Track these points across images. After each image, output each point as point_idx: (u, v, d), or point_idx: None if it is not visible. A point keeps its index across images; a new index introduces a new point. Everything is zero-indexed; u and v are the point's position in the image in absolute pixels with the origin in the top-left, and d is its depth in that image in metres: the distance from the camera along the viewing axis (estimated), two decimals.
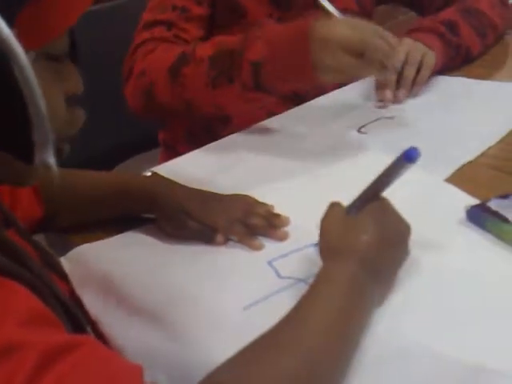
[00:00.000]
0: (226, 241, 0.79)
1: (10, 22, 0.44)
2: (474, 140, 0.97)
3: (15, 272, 0.48)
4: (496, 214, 0.74)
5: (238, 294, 0.69)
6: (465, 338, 0.61)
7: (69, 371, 0.43)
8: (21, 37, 0.44)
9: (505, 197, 0.77)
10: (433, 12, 1.31)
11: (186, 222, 0.79)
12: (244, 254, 0.77)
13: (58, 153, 0.54)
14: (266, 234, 0.79)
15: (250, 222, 0.79)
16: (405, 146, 0.96)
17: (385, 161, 0.93)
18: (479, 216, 0.76)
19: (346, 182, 0.89)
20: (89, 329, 0.61)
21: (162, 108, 1.04)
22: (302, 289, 0.69)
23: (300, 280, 0.70)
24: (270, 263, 0.74)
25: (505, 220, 0.73)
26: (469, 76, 1.20)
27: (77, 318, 0.57)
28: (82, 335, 0.49)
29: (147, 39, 1.06)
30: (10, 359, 0.42)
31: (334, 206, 0.69)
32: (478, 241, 0.74)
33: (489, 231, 0.74)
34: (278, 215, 0.81)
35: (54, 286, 0.57)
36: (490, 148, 0.94)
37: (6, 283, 0.46)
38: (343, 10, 1.12)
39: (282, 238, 0.79)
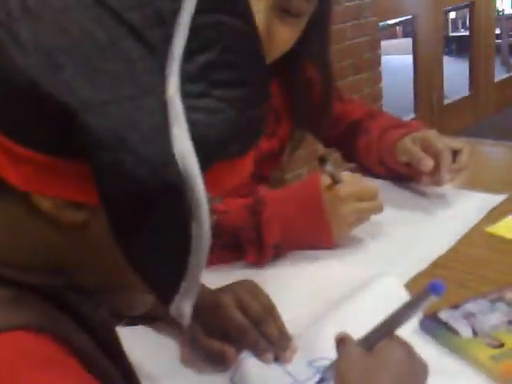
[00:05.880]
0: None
1: None
2: (423, 250, 0.99)
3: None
4: (445, 325, 0.77)
5: None
6: None
7: None
8: None
9: (455, 307, 0.80)
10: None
11: None
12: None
13: None
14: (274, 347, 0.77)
15: (263, 329, 0.77)
16: (358, 255, 0.99)
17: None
18: (430, 326, 0.78)
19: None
20: None
21: None
22: None
23: None
24: None
25: (454, 331, 0.76)
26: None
27: None
28: None
29: None
30: None
31: (346, 345, 0.67)
32: (430, 351, 0.75)
33: (439, 341, 0.77)
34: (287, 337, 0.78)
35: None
36: (439, 257, 0.97)
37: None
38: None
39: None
